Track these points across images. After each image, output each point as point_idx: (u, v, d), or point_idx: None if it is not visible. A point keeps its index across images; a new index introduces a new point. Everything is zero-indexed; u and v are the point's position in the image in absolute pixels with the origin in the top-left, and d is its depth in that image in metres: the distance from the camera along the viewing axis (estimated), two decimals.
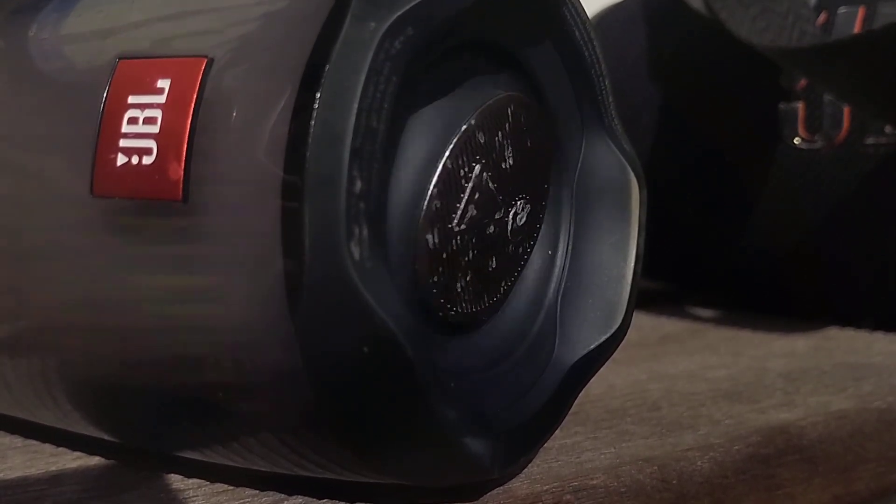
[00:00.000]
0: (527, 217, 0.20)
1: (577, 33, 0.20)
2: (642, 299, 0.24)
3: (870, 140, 0.34)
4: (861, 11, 0.34)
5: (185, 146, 0.16)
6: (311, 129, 0.15)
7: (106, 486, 0.19)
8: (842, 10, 0.34)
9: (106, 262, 0.17)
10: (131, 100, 0.16)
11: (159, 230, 0.16)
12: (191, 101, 0.16)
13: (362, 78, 0.15)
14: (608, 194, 0.22)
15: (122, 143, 0.16)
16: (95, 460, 0.21)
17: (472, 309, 0.19)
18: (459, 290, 0.19)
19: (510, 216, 0.19)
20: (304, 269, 0.15)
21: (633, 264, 0.22)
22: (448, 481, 0.18)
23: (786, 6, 0.33)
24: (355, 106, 0.15)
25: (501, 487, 0.19)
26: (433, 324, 0.18)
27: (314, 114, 0.15)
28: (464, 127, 0.18)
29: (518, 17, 0.19)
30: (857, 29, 0.34)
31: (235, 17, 0.17)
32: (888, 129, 0.34)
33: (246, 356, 0.16)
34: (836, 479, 0.25)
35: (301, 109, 0.15)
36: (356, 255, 0.15)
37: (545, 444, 0.21)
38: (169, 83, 0.16)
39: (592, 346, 0.21)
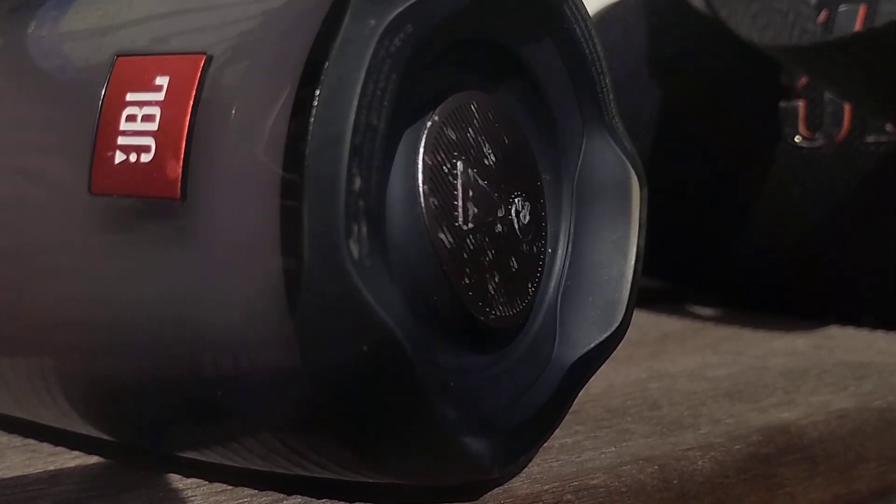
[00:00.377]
0: (530, 215, 0.20)
1: (577, 31, 0.20)
2: (642, 298, 0.24)
3: (870, 138, 0.34)
4: (862, 9, 0.34)
5: (184, 144, 0.16)
6: (311, 127, 0.15)
7: (105, 485, 0.19)
8: (843, 8, 0.34)
9: (104, 260, 0.17)
10: (129, 97, 0.16)
11: (158, 228, 0.16)
12: (189, 99, 0.16)
13: (362, 75, 0.15)
14: (609, 192, 0.22)
15: (121, 140, 0.16)
16: (94, 459, 0.21)
17: (509, 312, 0.19)
18: (493, 292, 0.19)
19: (513, 214, 0.19)
20: (303, 268, 0.15)
21: (633, 263, 0.22)
22: (448, 481, 0.18)
23: (786, 4, 0.33)
24: (355, 103, 0.15)
25: (501, 487, 0.19)
26: (438, 323, 0.18)
27: (314, 111, 0.15)
28: (429, 123, 0.18)
29: (518, 14, 0.19)
30: (858, 27, 0.34)
31: (234, 14, 0.17)
32: (889, 127, 0.34)
33: (245, 355, 0.16)
34: (837, 479, 0.24)
35: (300, 107, 0.15)
36: (355, 253, 0.15)
37: (545, 444, 0.21)
38: (167, 80, 0.16)
39: (593, 345, 0.21)
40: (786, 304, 0.38)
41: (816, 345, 0.34)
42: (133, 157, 0.16)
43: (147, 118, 0.16)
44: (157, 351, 0.17)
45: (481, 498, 0.19)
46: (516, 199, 0.19)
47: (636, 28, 0.41)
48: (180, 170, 0.16)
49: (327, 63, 0.15)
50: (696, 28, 0.37)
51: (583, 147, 0.22)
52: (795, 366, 0.30)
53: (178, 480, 0.19)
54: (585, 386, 0.21)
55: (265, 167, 0.15)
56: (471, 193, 0.18)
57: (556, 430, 0.21)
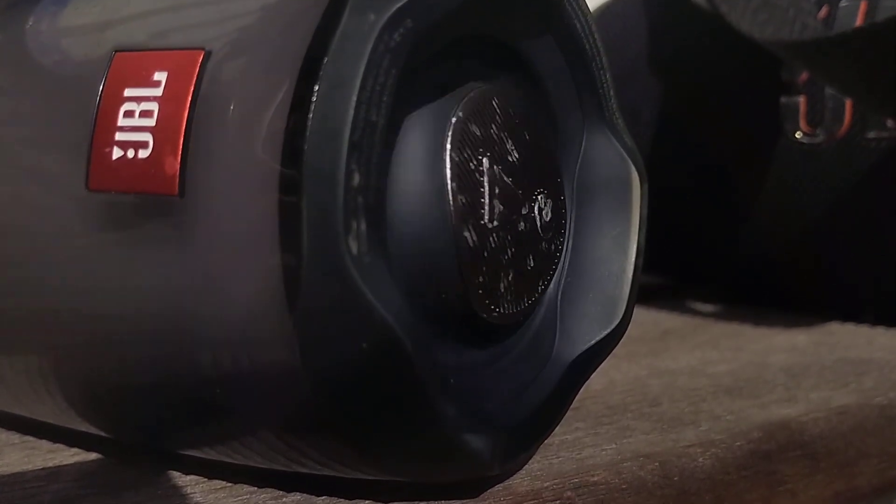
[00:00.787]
0: (552, 212, 0.20)
1: (577, 26, 0.20)
2: (643, 294, 0.24)
3: (871, 134, 0.34)
4: (863, 5, 0.34)
5: (182, 140, 0.16)
6: (310, 123, 0.15)
7: (104, 482, 0.19)
8: (843, 3, 0.34)
9: (102, 256, 0.17)
10: (128, 93, 0.16)
11: (156, 225, 0.16)
12: (187, 94, 0.16)
13: (361, 70, 0.15)
14: (609, 188, 0.22)
15: (118, 136, 0.16)
16: (93, 456, 0.21)
17: (513, 309, 0.19)
18: (503, 290, 0.19)
19: (536, 211, 0.19)
20: (301, 264, 0.15)
21: (633, 259, 0.22)
22: (448, 478, 0.18)
23: (787, 0, 0.33)
24: (354, 99, 0.15)
25: (502, 484, 0.19)
26: (438, 320, 0.18)
27: (312, 107, 0.15)
28: (454, 119, 0.18)
29: (519, 10, 0.19)
30: (859, 22, 0.34)
31: (233, 9, 0.17)
32: (890, 123, 0.33)
33: (244, 352, 0.16)
34: (838, 475, 0.24)
35: (299, 102, 0.15)
36: (354, 249, 0.15)
37: (546, 441, 0.21)
38: (166, 76, 0.16)
39: (593, 342, 0.21)
40: (786, 301, 0.38)
41: (817, 341, 0.34)
42: (131, 153, 0.16)
43: (145, 114, 0.16)
44: (155, 348, 0.17)
45: (482, 495, 0.19)
46: (539, 196, 0.19)
47: (636, 24, 0.41)
48: (178, 166, 0.16)
49: (326, 58, 0.15)
50: (696, 24, 0.37)
51: (583, 143, 0.22)
52: (796, 362, 0.30)
53: (177, 477, 0.19)
54: (586, 383, 0.21)
55: (263, 163, 0.15)
56: (497, 191, 0.18)
57: (557, 427, 0.21)
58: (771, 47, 0.33)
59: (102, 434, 0.20)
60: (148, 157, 0.16)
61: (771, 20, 0.33)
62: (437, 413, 0.16)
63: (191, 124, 0.16)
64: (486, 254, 0.18)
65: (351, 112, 0.15)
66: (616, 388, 0.27)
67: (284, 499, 0.18)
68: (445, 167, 0.17)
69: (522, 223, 0.19)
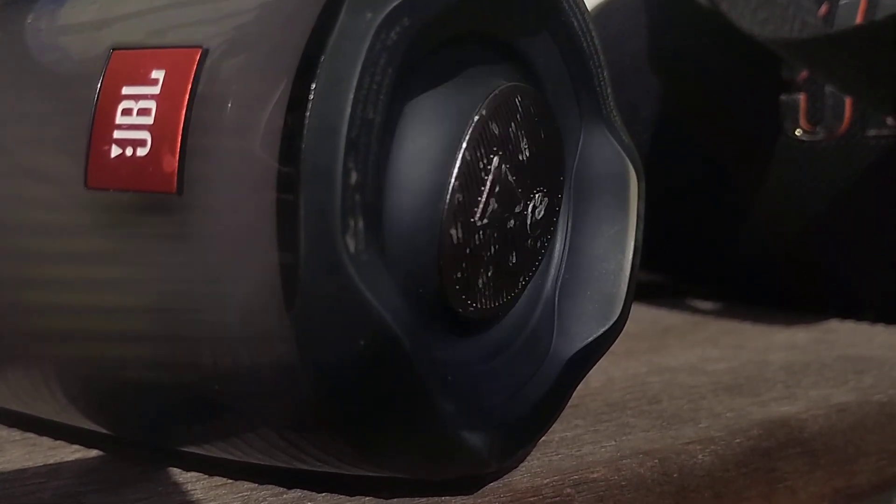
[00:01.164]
0: (545, 210, 0.20)
1: (575, 23, 0.20)
2: (642, 292, 0.24)
3: (871, 132, 0.34)
4: (863, 2, 0.34)
5: (180, 138, 0.16)
6: (307, 121, 0.15)
7: (105, 479, 0.19)
8: (843, 1, 0.34)
9: (100, 254, 0.17)
10: (125, 91, 0.16)
11: (154, 223, 0.16)
12: (185, 93, 0.16)
13: (358, 69, 0.15)
14: (606, 186, 0.22)
15: (117, 134, 0.16)
16: (94, 453, 0.21)
17: (490, 305, 0.19)
18: (481, 285, 0.18)
19: (529, 210, 0.19)
20: (299, 262, 0.15)
21: (631, 256, 0.22)
22: (446, 474, 0.18)
23: None
24: (351, 97, 0.15)
25: (502, 481, 0.19)
26: (434, 316, 0.18)
27: (309, 105, 0.15)
28: (476, 117, 0.18)
29: (515, 7, 0.19)
30: (859, 20, 0.34)
31: (230, 7, 0.17)
32: (890, 120, 0.33)
33: (242, 349, 0.16)
34: (838, 472, 0.24)
35: (296, 101, 0.15)
36: (352, 247, 0.15)
37: (545, 438, 0.21)
38: (163, 74, 0.16)
39: (591, 339, 0.21)
40: (786, 298, 0.38)
41: (817, 339, 0.34)
42: (129, 151, 0.16)
43: (143, 112, 0.16)
44: (154, 345, 0.17)
45: (481, 492, 0.19)
46: (537, 195, 0.19)
47: (636, 21, 0.40)
48: (176, 164, 0.16)
49: (323, 57, 0.15)
50: (696, 21, 0.37)
51: (581, 140, 0.22)
52: (796, 360, 0.30)
53: (178, 474, 0.19)
54: (585, 380, 0.21)
55: (261, 161, 0.15)
56: (497, 189, 0.18)
57: (556, 424, 0.21)
58: (771, 45, 0.33)
59: (103, 431, 0.20)
60: (146, 154, 0.16)
61: (771, 18, 0.33)
62: (435, 410, 0.16)
63: (188, 122, 0.16)
64: (468, 251, 0.18)
65: (348, 110, 0.15)
66: (616, 385, 0.27)
67: (285, 495, 0.18)
68: (454, 166, 0.17)
69: (513, 221, 0.19)
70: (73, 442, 0.21)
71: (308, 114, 0.15)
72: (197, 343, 0.16)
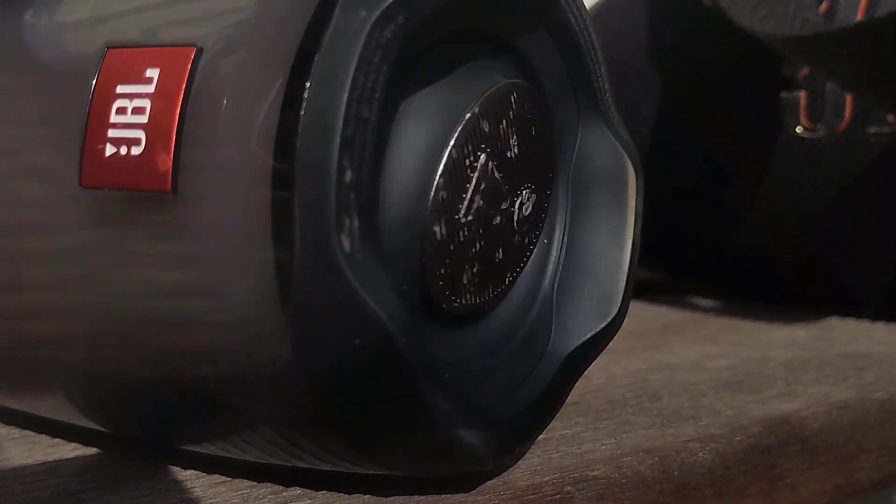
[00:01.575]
0: (532, 207, 0.20)
1: (572, 20, 0.20)
2: (643, 289, 0.24)
3: (872, 129, 0.34)
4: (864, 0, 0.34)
5: (174, 137, 0.16)
6: (301, 119, 0.15)
7: (103, 476, 0.19)
8: None
9: (96, 253, 0.17)
10: (120, 89, 0.16)
11: (149, 221, 0.16)
12: (180, 91, 0.16)
13: (352, 67, 0.15)
14: (604, 182, 0.22)
15: (111, 133, 0.16)
16: (93, 451, 0.21)
17: (476, 300, 0.19)
18: (465, 281, 0.18)
19: (516, 206, 0.19)
20: (294, 261, 0.15)
21: (629, 253, 0.22)
22: (442, 472, 0.18)
23: None
24: (345, 95, 0.15)
25: (502, 479, 0.19)
26: (429, 314, 0.18)
27: (304, 104, 0.15)
28: (468, 115, 0.18)
29: (511, 4, 0.19)
30: (859, 17, 0.34)
31: (225, 5, 0.17)
32: (890, 118, 0.33)
33: (239, 347, 0.16)
34: (838, 470, 0.24)
35: (291, 99, 0.15)
36: (346, 246, 0.15)
37: (545, 435, 0.21)
38: (158, 73, 0.16)
39: (589, 336, 0.21)
40: (786, 296, 0.38)
41: (817, 336, 0.34)
42: (123, 150, 0.16)
43: (137, 111, 0.16)
44: (151, 343, 0.17)
45: (481, 489, 0.19)
46: (524, 191, 0.19)
47: (637, 18, 0.40)
48: (171, 162, 0.16)
49: (318, 55, 0.15)
50: (696, 18, 0.37)
51: (578, 137, 0.22)
52: (796, 357, 0.30)
53: (176, 472, 0.19)
54: (586, 377, 0.21)
55: (256, 160, 0.15)
56: (482, 186, 0.18)
57: (557, 422, 0.21)
58: (771, 42, 0.32)
59: (102, 429, 0.20)
60: (140, 153, 0.16)
61: (771, 15, 0.33)
62: (431, 408, 0.16)
63: (183, 121, 0.16)
64: (452, 247, 0.18)
65: (343, 108, 0.15)
66: (616, 382, 0.27)
67: (284, 493, 0.18)
68: (440, 164, 0.17)
69: (498, 217, 0.19)
70: (71, 440, 0.21)
71: (303, 112, 0.15)
72: (192, 341, 0.16)
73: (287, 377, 0.16)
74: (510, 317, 0.21)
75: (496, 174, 0.18)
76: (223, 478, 0.19)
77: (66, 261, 0.17)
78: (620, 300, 0.21)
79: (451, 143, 0.17)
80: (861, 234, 0.35)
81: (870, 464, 0.25)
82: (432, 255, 0.17)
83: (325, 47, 0.15)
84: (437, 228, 0.17)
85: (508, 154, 0.19)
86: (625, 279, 0.21)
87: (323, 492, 0.18)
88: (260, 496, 0.18)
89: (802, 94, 0.35)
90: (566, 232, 0.22)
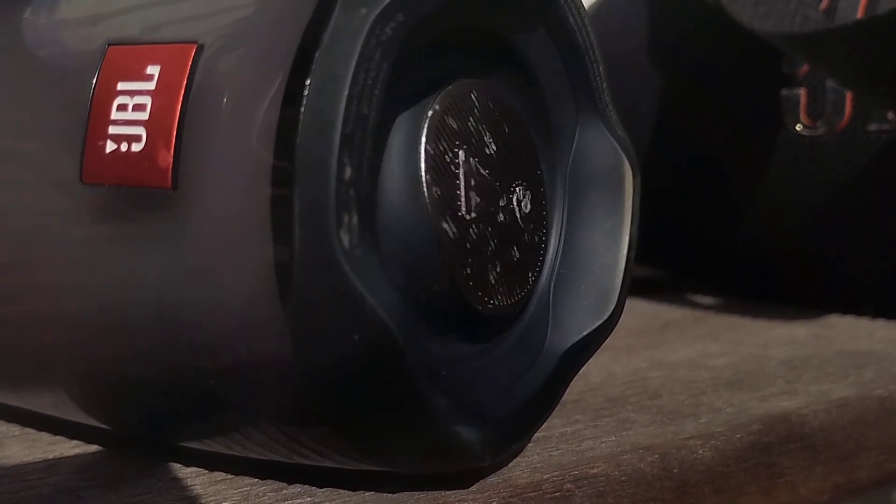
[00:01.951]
0: (531, 204, 0.20)
1: (570, 19, 0.20)
2: (643, 287, 0.24)
3: (872, 126, 0.34)
4: None
5: (175, 133, 0.16)
6: (301, 116, 0.15)
7: (104, 474, 0.19)
8: None
9: (97, 249, 0.17)
10: (121, 86, 0.16)
11: (149, 218, 0.16)
12: (180, 88, 0.16)
13: (353, 64, 0.15)
14: (601, 181, 0.22)
15: (112, 129, 0.16)
16: (93, 449, 0.21)
17: (507, 301, 0.19)
18: (493, 281, 0.19)
19: (514, 203, 0.19)
20: (294, 257, 0.15)
21: (626, 251, 0.22)
22: (439, 469, 0.18)
23: None
24: (346, 93, 0.15)
25: (502, 476, 0.19)
26: (430, 312, 0.18)
27: (304, 101, 0.15)
28: (430, 112, 0.18)
29: (510, 3, 0.19)
30: (860, 14, 0.34)
31: (226, 3, 0.17)
32: (890, 115, 0.33)
33: (238, 344, 0.16)
34: (838, 467, 0.24)
35: (291, 96, 0.15)
36: (346, 243, 0.15)
37: (545, 433, 0.21)
38: (158, 70, 0.16)
39: (585, 333, 0.21)
40: (786, 293, 0.38)
41: (817, 334, 0.34)
42: (124, 147, 0.16)
43: (138, 107, 0.16)
44: (151, 340, 0.17)
45: (481, 487, 0.19)
46: (517, 188, 0.19)
47: (637, 16, 0.40)
48: (171, 159, 0.16)
49: (318, 52, 0.15)
50: (697, 15, 0.37)
51: (576, 135, 0.22)
52: (796, 355, 0.30)
53: (177, 469, 0.19)
54: (585, 375, 0.21)
55: (256, 157, 0.15)
56: (473, 182, 0.18)
57: (556, 419, 0.21)
58: (772, 39, 0.32)
59: (103, 427, 0.20)
60: (141, 150, 0.16)
61: (772, 12, 0.33)
62: (428, 405, 0.16)
63: (184, 118, 0.16)
64: (468, 245, 0.18)
65: (343, 106, 0.15)
66: (616, 380, 0.27)
67: (285, 490, 0.18)
68: (420, 159, 0.17)
69: (502, 215, 0.19)
70: (72, 437, 0.21)
71: (303, 109, 0.15)
72: (192, 338, 0.16)
73: (286, 373, 0.16)
74: (509, 314, 0.21)
75: (482, 170, 0.18)
76: (224, 475, 0.19)
77: (66, 257, 0.17)
78: (617, 298, 0.21)
79: (423, 138, 0.17)
80: (861, 231, 0.35)
81: (869, 462, 0.25)
82: (451, 254, 0.17)
83: (325, 45, 0.15)
84: (446, 226, 0.17)
85: (487, 150, 0.19)
86: (621, 277, 0.21)
87: (324, 489, 0.19)
88: (261, 493, 0.18)
89: (802, 92, 0.35)
90: (563, 229, 0.22)
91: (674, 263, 0.44)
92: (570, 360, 0.21)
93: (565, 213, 0.22)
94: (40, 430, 0.22)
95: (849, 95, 0.34)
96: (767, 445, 0.23)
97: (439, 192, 0.17)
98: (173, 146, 0.16)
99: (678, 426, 0.23)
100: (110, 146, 0.16)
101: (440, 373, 0.17)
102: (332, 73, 0.15)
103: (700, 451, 0.22)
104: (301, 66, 0.15)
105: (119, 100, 0.16)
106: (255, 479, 0.19)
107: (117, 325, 0.17)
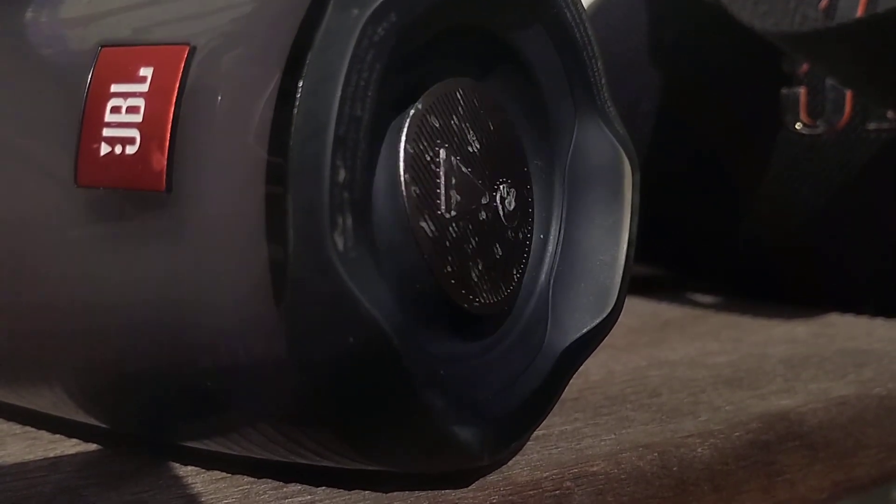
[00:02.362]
0: (515, 202, 0.20)
1: (567, 15, 0.20)
2: (642, 286, 0.24)
3: (872, 125, 0.34)
4: None
5: (168, 136, 0.16)
6: (294, 118, 0.15)
7: (104, 472, 0.19)
8: None
9: (92, 251, 0.17)
10: (114, 88, 0.16)
11: (144, 220, 0.16)
12: (173, 91, 0.16)
13: (345, 65, 0.15)
14: (601, 177, 0.22)
15: (106, 132, 0.16)
16: (94, 447, 0.21)
17: (492, 299, 0.19)
18: (476, 279, 0.19)
19: (497, 201, 0.19)
20: (288, 260, 0.15)
21: (625, 248, 0.22)
22: (438, 468, 0.18)
23: None
24: (338, 94, 0.15)
25: (502, 474, 0.19)
26: (426, 312, 0.18)
27: (297, 102, 0.15)
28: (412, 112, 0.18)
29: (505, 0, 0.19)
30: (859, 13, 0.34)
31: (218, 3, 0.17)
32: (890, 114, 0.33)
33: (233, 344, 0.16)
34: (837, 466, 0.25)
35: (284, 98, 0.15)
36: (340, 245, 0.15)
37: (545, 431, 0.21)
38: (151, 71, 0.16)
39: (584, 331, 0.21)
40: (785, 292, 0.38)
41: (816, 332, 0.34)
42: (118, 149, 0.16)
43: (132, 110, 0.16)
44: (148, 341, 0.17)
45: (481, 485, 0.19)
46: (501, 186, 0.19)
47: (637, 14, 0.40)
48: (165, 162, 0.16)
49: (311, 53, 0.15)
50: (696, 15, 0.37)
51: (575, 132, 0.22)
52: (795, 353, 0.30)
53: (176, 468, 0.19)
54: (585, 373, 0.22)
55: (249, 159, 0.15)
56: (453, 181, 0.18)
57: (556, 418, 0.21)
58: (771, 38, 0.32)
59: (102, 425, 0.20)
60: (135, 153, 0.16)
61: (772, 11, 0.33)
62: (425, 405, 0.16)
63: (177, 120, 0.16)
64: (447, 243, 0.18)
65: (336, 107, 0.15)
66: (615, 378, 0.27)
67: (284, 489, 0.19)
68: (399, 160, 0.17)
69: (484, 213, 0.19)
70: (72, 436, 0.21)
71: (296, 111, 0.15)
72: (188, 339, 0.16)
73: (282, 374, 0.16)
74: (507, 313, 0.21)
75: (463, 169, 0.18)
76: (223, 474, 0.19)
77: (62, 259, 0.17)
78: (616, 296, 0.21)
79: (403, 138, 0.17)
80: (861, 230, 0.35)
81: (868, 460, 0.25)
82: (431, 252, 0.17)
83: (317, 46, 0.15)
84: (424, 225, 0.17)
85: (470, 149, 0.19)
86: (621, 275, 0.21)
87: (322, 487, 0.19)
88: (260, 492, 0.18)
89: (802, 91, 0.35)
90: (563, 227, 0.22)
91: (673, 262, 0.44)
92: (569, 359, 0.21)
93: (564, 211, 0.22)
94: (40, 428, 0.22)
95: (849, 94, 0.34)
96: (766, 443, 0.23)
97: (418, 192, 0.17)
98: (167, 149, 0.16)
99: (677, 424, 0.23)
100: (104, 149, 0.16)
101: (438, 372, 0.17)
102: (324, 74, 0.15)
103: (699, 450, 0.22)
104: (293, 67, 0.15)
105: (112, 102, 0.16)
106: (254, 478, 0.19)
107: (114, 326, 0.17)
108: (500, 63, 0.20)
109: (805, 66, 0.35)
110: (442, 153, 0.18)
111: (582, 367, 0.21)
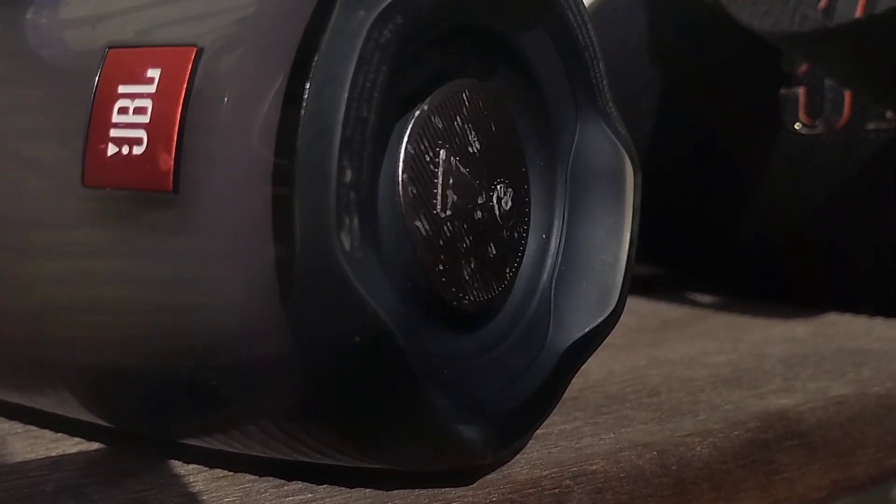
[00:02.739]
0: (512, 201, 0.20)
1: (570, 16, 0.20)
2: (642, 285, 0.24)
3: (871, 125, 0.34)
4: None
5: (176, 136, 0.16)
6: (302, 120, 0.15)
7: (107, 471, 0.19)
8: None
9: (99, 251, 0.17)
10: (121, 89, 0.16)
11: (151, 221, 0.16)
12: (181, 92, 0.16)
13: (352, 67, 0.15)
14: (602, 178, 0.22)
15: (113, 132, 0.16)
16: (96, 445, 0.21)
17: (483, 297, 0.19)
18: (467, 277, 0.19)
19: (494, 201, 0.19)
20: (294, 259, 0.15)
21: (627, 248, 0.22)
22: (441, 467, 0.18)
23: None
24: (345, 95, 0.15)
25: (501, 473, 0.19)
26: (429, 311, 0.18)
27: (304, 103, 0.15)
28: (417, 113, 0.18)
29: (509, 2, 0.19)
30: (858, 13, 0.34)
31: (225, 4, 0.17)
32: (889, 114, 0.33)
33: (240, 344, 0.16)
34: (835, 465, 0.25)
35: (291, 100, 0.15)
36: (346, 245, 0.15)
37: (544, 430, 0.22)
38: (159, 73, 0.16)
39: (586, 330, 0.21)
40: (785, 291, 0.38)
41: (815, 332, 0.34)
42: (125, 150, 0.16)
43: (139, 110, 0.16)
44: (153, 340, 0.17)
45: (481, 483, 0.19)
46: (499, 186, 0.20)
47: (636, 14, 0.41)
48: (172, 162, 0.16)
49: (317, 55, 0.15)
50: (696, 15, 0.37)
51: (576, 132, 0.22)
52: (794, 352, 0.30)
53: (179, 466, 0.19)
54: (585, 372, 0.22)
55: (256, 160, 0.15)
56: (451, 181, 0.18)
57: (556, 416, 0.21)
58: (771, 38, 0.33)
59: (105, 424, 0.20)
60: (142, 153, 0.16)
61: (771, 11, 0.33)
62: (429, 404, 0.17)
63: (184, 121, 0.16)
64: (441, 242, 0.18)
65: (342, 108, 0.15)
66: (615, 377, 0.27)
67: (285, 487, 0.19)
68: (399, 160, 0.17)
69: (479, 212, 0.19)
70: (74, 435, 0.21)
71: (303, 112, 0.15)
72: (194, 338, 0.16)
73: (287, 373, 0.16)
74: (509, 312, 0.21)
75: (461, 169, 0.18)
76: (225, 472, 0.19)
77: (68, 258, 0.17)
78: (618, 295, 0.21)
79: (405, 138, 0.17)
80: (859, 230, 0.35)
81: (867, 459, 0.25)
82: (424, 251, 0.18)
83: (324, 47, 0.15)
84: (418, 224, 0.17)
85: (470, 149, 0.19)
86: (622, 274, 0.21)
87: (324, 485, 0.19)
88: (261, 490, 0.18)
89: (801, 91, 0.35)
90: (564, 227, 0.22)
91: (673, 261, 0.44)
92: (571, 358, 0.21)
93: (566, 211, 0.22)
94: (43, 427, 0.22)
95: (847, 94, 0.34)
96: (765, 442, 0.23)
97: (415, 191, 0.17)
98: (174, 149, 0.16)
99: (677, 423, 0.23)
100: (112, 149, 0.16)
101: (441, 371, 0.17)
102: (331, 75, 0.15)
103: (698, 449, 0.22)
104: (300, 68, 0.15)
105: (120, 103, 0.16)
106: (256, 476, 0.19)
107: (120, 324, 0.17)
108: (503, 64, 0.20)
109: (804, 67, 0.35)
110: (442, 153, 0.18)
111: (582, 366, 0.21)
